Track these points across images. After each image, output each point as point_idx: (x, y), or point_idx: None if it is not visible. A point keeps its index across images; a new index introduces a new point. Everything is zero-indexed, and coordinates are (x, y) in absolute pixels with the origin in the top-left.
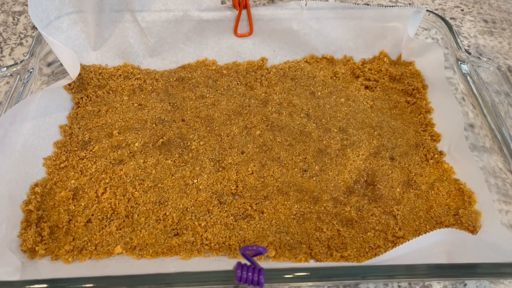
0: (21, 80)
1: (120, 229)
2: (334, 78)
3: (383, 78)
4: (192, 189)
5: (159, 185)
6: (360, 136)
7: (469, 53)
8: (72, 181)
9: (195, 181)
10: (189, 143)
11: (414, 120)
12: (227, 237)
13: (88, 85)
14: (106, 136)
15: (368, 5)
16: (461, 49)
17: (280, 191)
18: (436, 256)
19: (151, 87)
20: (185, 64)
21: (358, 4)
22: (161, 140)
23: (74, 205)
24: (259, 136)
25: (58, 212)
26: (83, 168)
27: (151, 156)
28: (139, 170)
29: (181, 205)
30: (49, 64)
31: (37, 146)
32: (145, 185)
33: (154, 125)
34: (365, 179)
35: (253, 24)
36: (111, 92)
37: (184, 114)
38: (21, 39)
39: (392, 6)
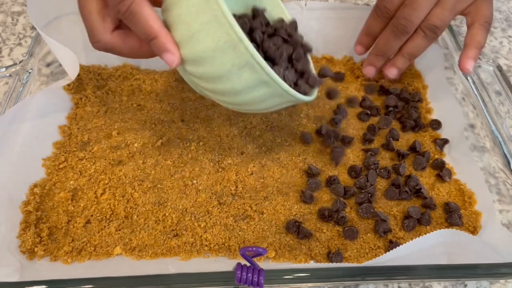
0: (20, 81)
1: (119, 230)
2: (334, 78)
3: (383, 78)
4: (192, 189)
5: (159, 185)
6: (360, 136)
7: None
8: (71, 182)
9: (195, 181)
10: (188, 143)
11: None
12: (227, 238)
13: (87, 86)
14: (105, 136)
15: (368, 5)
16: (461, 49)
17: (280, 191)
18: (436, 257)
19: (150, 88)
20: None
21: (358, 4)
22: (160, 140)
23: (73, 206)
24: (259, 136)
25: (57, 213)
26: (82, 168)
27: (150, 157)
28: (138, 171)
29: (180, 206)
30: (48, 65)
31: (36, 146)
32: (145, 185)
33: (153, 125)
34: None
35: None
36: (110, 92)
37: (184, 115)
38: (20, 39)
39: None
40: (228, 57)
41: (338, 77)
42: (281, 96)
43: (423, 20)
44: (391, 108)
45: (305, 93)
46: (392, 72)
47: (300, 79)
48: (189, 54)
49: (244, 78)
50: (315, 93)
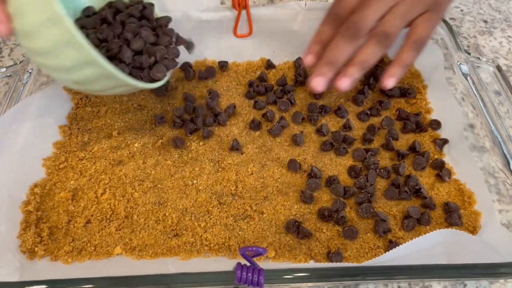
0: (20, 81)
1: (120, 230)
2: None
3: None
4: (192, 189)
5: (159, 185)
6: (360, 136)
7: (469, 54)
8: (72, 182)
9: (195, 181)
10: (188, 143)
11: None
12: (227, 237)
13: None
14: (105, 136)
15: None
16: (460, 49)
17: (280, 191)
18: (436, 257)
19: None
20: None
21: None
22: (160, 140)
23: (74, 206)
24: (259, 136)
25: (58, 213)
26: (83, 168)
27: (150, 157)
28: (139, 171)
29: (180, 206)
30: None
31: (36, 146)
32: (145, 185)
33: (153, 125)
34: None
35: (253, 25)
36: None
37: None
38: None
39: None
40: (52, 33)
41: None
42: (111, 78)
43: (374, 27)
44: (386, 100)
45: (153, 79)
46: (344, 82)
47: (154, 64)
48: (19, 27)
49: (70, 56)
50: (160, 82)
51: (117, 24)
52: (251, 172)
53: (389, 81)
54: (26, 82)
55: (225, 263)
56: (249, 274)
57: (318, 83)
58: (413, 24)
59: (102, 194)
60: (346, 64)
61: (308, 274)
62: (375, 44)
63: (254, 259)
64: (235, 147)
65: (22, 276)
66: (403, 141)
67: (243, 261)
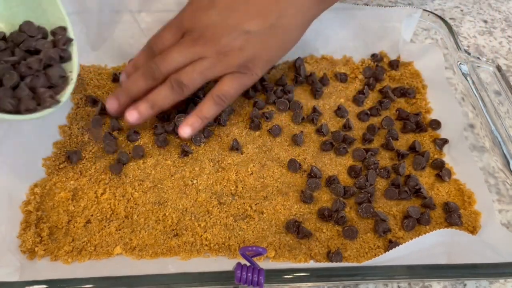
0: None
1: (120, 230)
2: (334, 78)
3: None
4: (192, 189)
5: (159, 185)
6: (360, 136)
7: (469, 54)
8: (72, 182)
9: (195, 181)
10: (188, 143)
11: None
12: (227, 237)
13: (87, 86)
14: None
15: (367, 5)
16: (460, 49)
17: (280, 191)
18: (436, 257)
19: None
20: None
21: (357, 4)
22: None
23: (74, 206)
24: (259, 136)
25: (58, 213)
26: (83, 168)
27: (150, 157)
28: (139, 171)
29: (180, 206)
30: None
31: (36, 146)
32: (145, 185)
33: (153, 125)
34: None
35: None
36: (110, 92)
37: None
38: None
39: (391, 7)
40: None
41: (342, 78)
42: None
43: (175, 72)
44: (386, 100)
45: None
46: (132, 115)
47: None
48: None
49: None
50: (40, 113)
51: (20, 52)
52: (251, 172)
53: (185, 130)
54: None
55: (225, 263)
56: (249, 274)
57: (111, 104)
58: (220, 80)
59: (102, 194)
60: (141, 98)
61: (308, 274)
62: (168, 90)
63: (254, 259)
64: (235, 147)
65: (22, 276)
66: (403, 141)
67: (243, 261)
